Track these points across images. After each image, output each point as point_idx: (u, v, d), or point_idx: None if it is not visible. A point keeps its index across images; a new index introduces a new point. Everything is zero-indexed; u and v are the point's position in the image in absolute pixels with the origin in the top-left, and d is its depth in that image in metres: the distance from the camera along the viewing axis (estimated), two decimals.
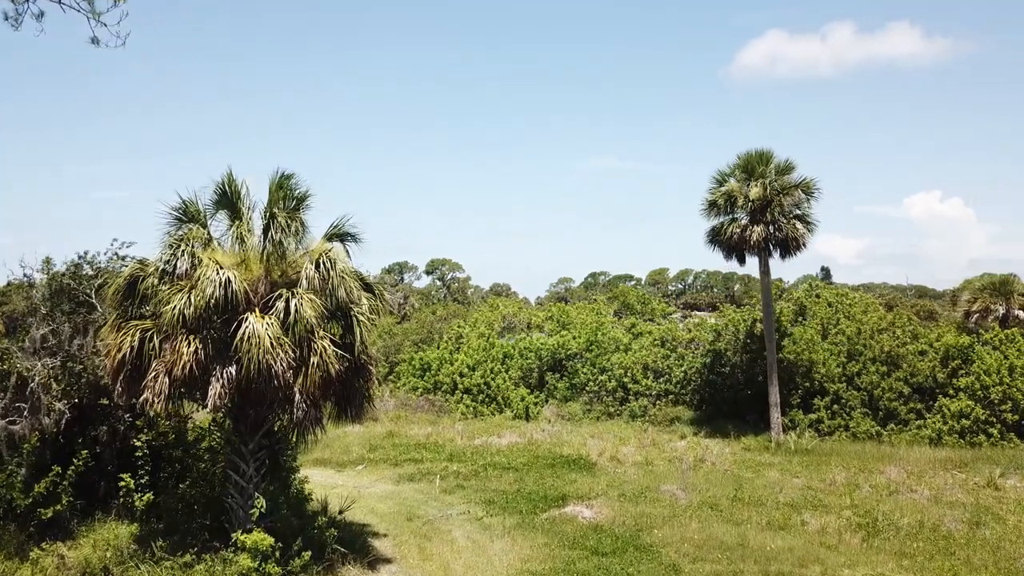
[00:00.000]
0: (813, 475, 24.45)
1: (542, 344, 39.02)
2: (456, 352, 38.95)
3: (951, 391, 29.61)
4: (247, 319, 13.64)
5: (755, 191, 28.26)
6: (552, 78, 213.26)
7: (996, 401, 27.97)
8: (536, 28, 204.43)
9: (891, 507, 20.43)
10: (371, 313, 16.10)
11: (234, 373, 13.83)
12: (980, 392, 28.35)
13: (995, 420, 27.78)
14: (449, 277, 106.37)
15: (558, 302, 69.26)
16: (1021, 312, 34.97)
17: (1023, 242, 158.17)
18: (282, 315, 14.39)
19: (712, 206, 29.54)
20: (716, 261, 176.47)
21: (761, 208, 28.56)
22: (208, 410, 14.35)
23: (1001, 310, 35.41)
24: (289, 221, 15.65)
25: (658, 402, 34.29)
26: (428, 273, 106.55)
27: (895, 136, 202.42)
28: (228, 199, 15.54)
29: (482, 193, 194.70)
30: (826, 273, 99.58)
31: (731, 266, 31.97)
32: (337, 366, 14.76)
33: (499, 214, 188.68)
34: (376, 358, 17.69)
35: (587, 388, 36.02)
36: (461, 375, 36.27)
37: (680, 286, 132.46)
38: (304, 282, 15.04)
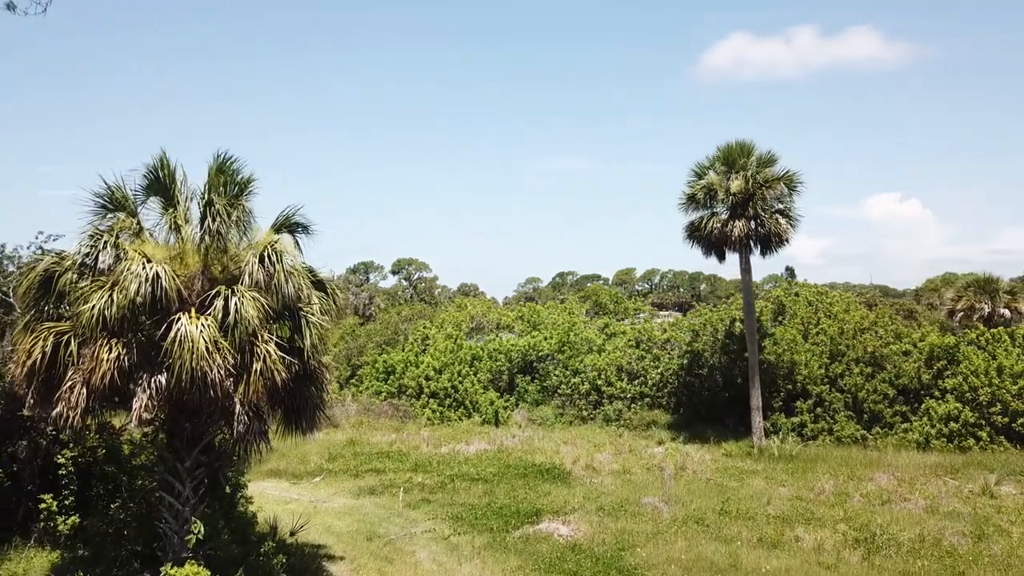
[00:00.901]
0: (800, 483, 23.13)
1: (512, 345, 37.40)
2: (422, 354, 37.20)
3: (937, 393, 28.50)
4: (179, 320, 11.88)
5: (736, 184, 26.91)
6: (524, 78, 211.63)
7: (984, 403, 26.87)
8: (504, 29, 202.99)
9: (887, 519, 19.13)
10: (324, 313, 14.40)
11: (164, 382, 12.05)
12: (968, 394, 27.23)
13: (984, 423, 26.67)
14: (416, 277, 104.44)
15: (527, 302, 67.74)
16: (1006, 311, 34.15)
17: (980, 242, 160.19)
18: (221, 316, 12.65)
19: (691, 200, 28.15)
20: (683, 261, 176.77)
21: (743, 202, 27.23)
22: (134, 424, 12.58)
23: (987, 308, 34.53)
24: (229, 209, 13.90)
25: (633, 405, 32.84)
26: (394, 273, 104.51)
27: (855, 138, 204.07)
28: (161, 184, 13.72)
29: (449, 193, 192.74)
30: (791, 273, 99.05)
31: (710, 263, 30.67)
32: (284, 373, 13.06)
33: (466, 214, 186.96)
34: (329, 365, 15.92)
35: (559, 391, 34.49)
36: (427, 378, 34.54)
37: (647, 286, 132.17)
38: (247, 278, 13.31)
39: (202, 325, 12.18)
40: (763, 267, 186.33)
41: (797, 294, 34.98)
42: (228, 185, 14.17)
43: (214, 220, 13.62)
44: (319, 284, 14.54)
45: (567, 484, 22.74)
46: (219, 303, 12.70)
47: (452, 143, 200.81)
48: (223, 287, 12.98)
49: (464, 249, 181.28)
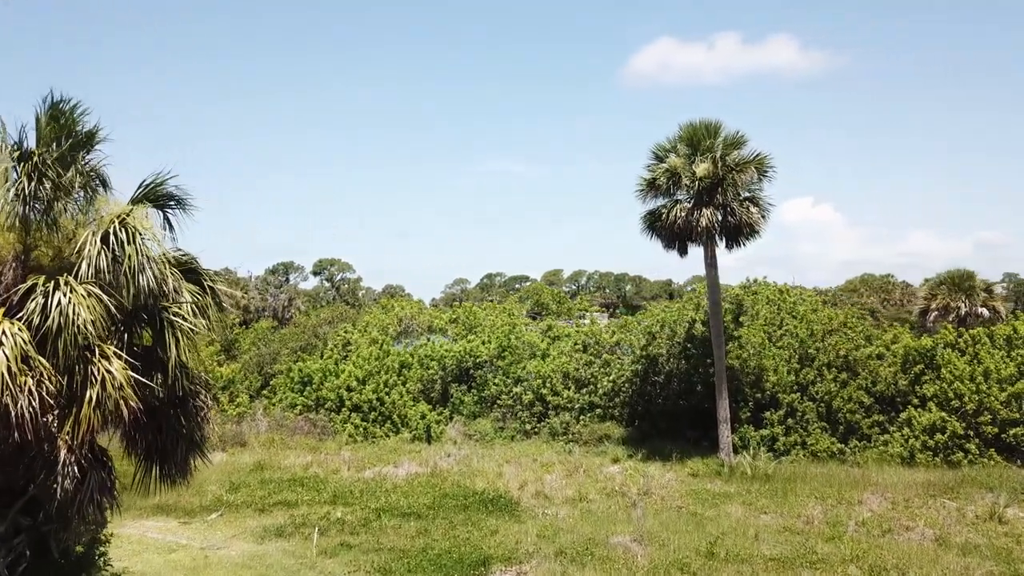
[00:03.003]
0: (783, 509, 20.02)
1: (446, 351, 33.50)
2: (343, 362, 33.00)
3: (916, 400, 25.88)
4: None
5: (703, 168, 23.70)
6: (451, 80, 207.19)
7: (971, 412, 24.30)
8: (426, 31, 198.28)
9: (897, 555, 16.05)
10: (199, 315, 10.45)
11: None
12: (954, 402, 24.63)
13: (972, 434, 24.09)
14: (339, 278, 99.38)
15: (456, 304, 63.94)
16: (984, 310, 31.96)
17: (890, 245, 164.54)
18: (38, 320, 8.68)
19: (650, 186, 24.83)
20: (608, 262, 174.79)
21: (710, 188, 24.04)
22: None
23: (963, 308, 32.23)
24: (61, 169, 9.92)
25: (582, 417, 29.33)
26: (315, 274, 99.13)
27: (772, 144, 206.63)
28: None
29: (373, 195, 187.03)
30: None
31: (669, 257, 27.25)
32: (135, 402, 9.09)
33: (391, 216, 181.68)
34: (210, 383, 11.91)
35: (499, 402, 30.77)
36: (349, 389, 30.40)
37: (573, 287, 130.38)
38: (85, 266, 9.33)
39: (6, 334, 8.19)
40: (689, 268, 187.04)
41: (756, 292, 32.05)
42: (64, 138, 10.16)
43: (38, 182, 9.60)
44: (191, 274, 10.54)
45: (516, 518, 19.06)
46: (35, 302, 8.74)
47: (373, 146, 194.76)
48: (42, 279, 8.97)
49: (389, 250, 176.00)
